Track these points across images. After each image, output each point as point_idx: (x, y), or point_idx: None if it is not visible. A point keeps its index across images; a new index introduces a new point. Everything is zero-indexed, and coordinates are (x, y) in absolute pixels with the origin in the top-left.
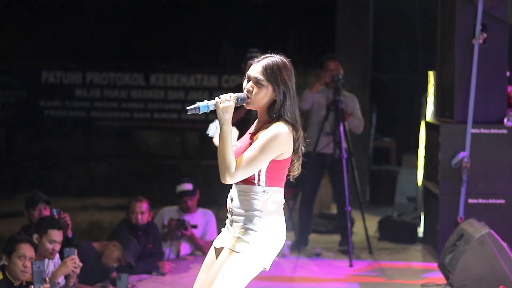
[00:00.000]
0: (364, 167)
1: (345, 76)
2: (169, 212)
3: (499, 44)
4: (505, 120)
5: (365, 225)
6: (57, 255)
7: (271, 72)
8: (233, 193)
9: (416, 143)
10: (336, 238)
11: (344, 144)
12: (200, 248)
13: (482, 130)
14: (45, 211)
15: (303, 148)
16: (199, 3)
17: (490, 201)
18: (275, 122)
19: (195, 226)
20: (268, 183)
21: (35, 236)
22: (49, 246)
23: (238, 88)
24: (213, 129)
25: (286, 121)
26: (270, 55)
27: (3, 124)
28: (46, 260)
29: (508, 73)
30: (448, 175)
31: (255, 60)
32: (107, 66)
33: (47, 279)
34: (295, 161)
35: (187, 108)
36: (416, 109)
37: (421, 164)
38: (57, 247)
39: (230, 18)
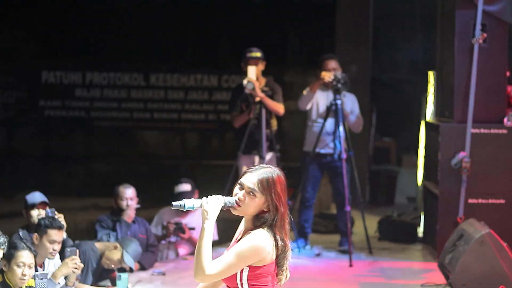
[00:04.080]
0: (364, 167)
1: (346, 76)
2: (168, 213)
3: (499, 44)
4: (505, 120)
5: (365, 225)
6: (57, 255)
7: (266, 185)
8: None
9: (416, 143)
10: (336, 238)
11: (344, 144)
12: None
13: (482, 130)
14: (44, 212)
15: (289, 258)
16: (199, 3)
17: (490, 201)
18: (257, 228)
19: (193, 229)
20: None
21: (35, 236)
22: (49, 246)
23: (238, 89)
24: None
25: (269, 231)
26: (266, 166)
27: (3, 123)
28: (47, 260)
29: (508, 73)
30: (448, 175)
31: (250, 169)
32: (107, 66)
33: None
34: (281, 271)
35: (173, 203)
36: (416, 109)
37: (421, 164)
38: (57, 247)
39: (230, 17)
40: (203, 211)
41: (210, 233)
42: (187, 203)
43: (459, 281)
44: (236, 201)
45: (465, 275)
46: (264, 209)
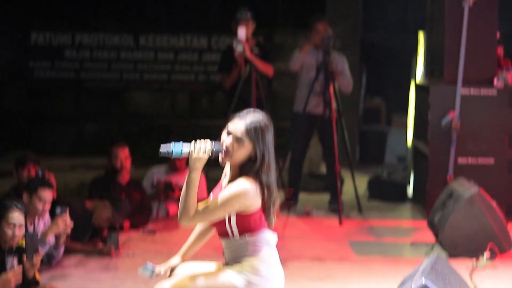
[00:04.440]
0: (354, 127)
1: (334, 37)
2: (158, 172)
3: (490, 5)
4: (495, 80)
5: (354, 184)
6: (47, 214)
7: (253, 132)
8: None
9: (406, 103)
10: (326, 197)
11: (334, 104)
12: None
13: (472, 91)
14: (35, 171)
15: (276, 206)
16: None
17: (480, 160)
18: (243, 177)
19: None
20: (241, 234)
21: (25, 195)
22: (39, 205)
23: (228, 50)
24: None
25: (255, 179)
26: (254, 112)
27: None
28: (37, 220)
29: (498, 34)
30: (438, 135)
31: (238, 116)
32: (97, 27)
33: (40, 248)
34: (268, 214)
35: (160, 147)
36: (406, 69)
37: (411, 124)
38: (47, 206)
39: None
40: (190, 159)
41: (197, 179)
42: (175, 150)
43: (448, 239)
44: (223, 149)
45: (454, 233)
46: (251, 157)
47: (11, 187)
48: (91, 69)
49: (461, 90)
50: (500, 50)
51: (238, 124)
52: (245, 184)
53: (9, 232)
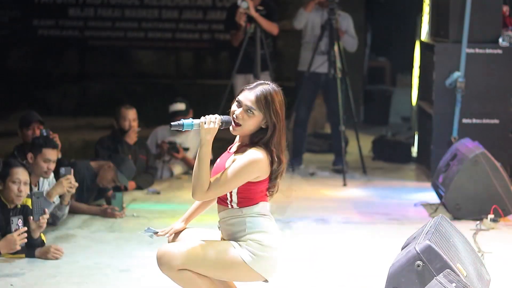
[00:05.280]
0: (358, 86)
1: None
2: (162, 132)
3: None
4: (500, 40)
5: (359, 145)
6: (52, 174)
7: (264, 103)
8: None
9: (410, 63)
10: (330, 157)
11: (338, 64)
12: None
13: (477, 50)
14: (39, 131)
15: (282, 174)
16: None
17: (484, 121)
18: (254, 147)
19: (187, 149)
20: (240, 203)
21: (29, 155)
22: (44, 165)
23: (233, 8)
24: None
25: (265, 149)
26: (264, 82)
27: None
28: (42, 179)
29: None
30: (443, 95)
31: (248, 87)
32: None
33: (46, 210)
34: (273, 186)
35: (171, 123)
36: (411, 28)
37: (415, 84)
38: (52, 166)
39: None
40: (201, 132)
41: (208, 152)
42: (185, 123)
43: (452, 200)
44: (233, 118)
45: (459, 194)
46: (262, 126)
47: (15, 146)
48: (95, 28)
49: (466, 49)
50: (506, 9)
51: (248, 94)
52: (257, 154)
53: (14, 188)
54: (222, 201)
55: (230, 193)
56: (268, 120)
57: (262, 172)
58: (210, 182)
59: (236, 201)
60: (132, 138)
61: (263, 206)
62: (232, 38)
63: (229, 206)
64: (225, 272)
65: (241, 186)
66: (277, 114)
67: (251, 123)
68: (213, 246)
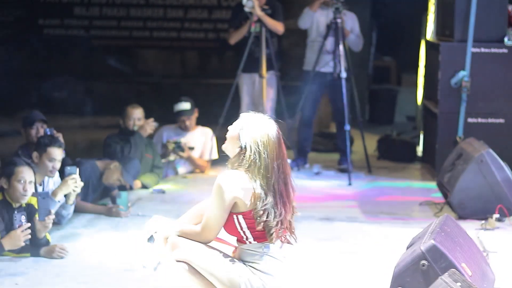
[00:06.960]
0: (363, 86)
1: None
2: (168, 131)
3: None
4: (506, 39)
5: (364, 144)
6: (57, 173)
7: (244, 130)
8: None
9: (416, 62)
10: (336, 156)
11: (343, 63)
12: (199, 167)
13: (483, 49)
14: (43, 130)
15: (277, 227)
16: None
17: (490, 120)
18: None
19: (192, 148)
20: (256, 238)
21: (34, 154)
22: (49, 164)
23: (238, 7)
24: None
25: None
26: (260, 116)
27: (1, 42)
28: (47, 178)
29: None
30: (448, 94)
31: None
32: None
33: (51, 210)
34: (269, 233)
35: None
36: (416, 27)
37: (421, 83)
38: (57, 165)
39: None
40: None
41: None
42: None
43: (457, 200)
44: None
45: (464, 194)
46: (242, 150)
47: (19, 146)
48: (100, 27)
49: (471, 48)
50: (511, 9)
51: (235, 123)
52: (220, 176)
53: (19, 187)
54: (240, 240)
55: (243, 230)
56: (244, 145)
57: (235, 193)
58: (202, 225)
59: (252, 237)
60: (145, 130)
61: (273, 246)
62: (229, 35)
63: (247, 243)
64: (216, 282)
65: (247, 221)
66: (256, 143)
67: (230, 146)
68: (222, 259)
